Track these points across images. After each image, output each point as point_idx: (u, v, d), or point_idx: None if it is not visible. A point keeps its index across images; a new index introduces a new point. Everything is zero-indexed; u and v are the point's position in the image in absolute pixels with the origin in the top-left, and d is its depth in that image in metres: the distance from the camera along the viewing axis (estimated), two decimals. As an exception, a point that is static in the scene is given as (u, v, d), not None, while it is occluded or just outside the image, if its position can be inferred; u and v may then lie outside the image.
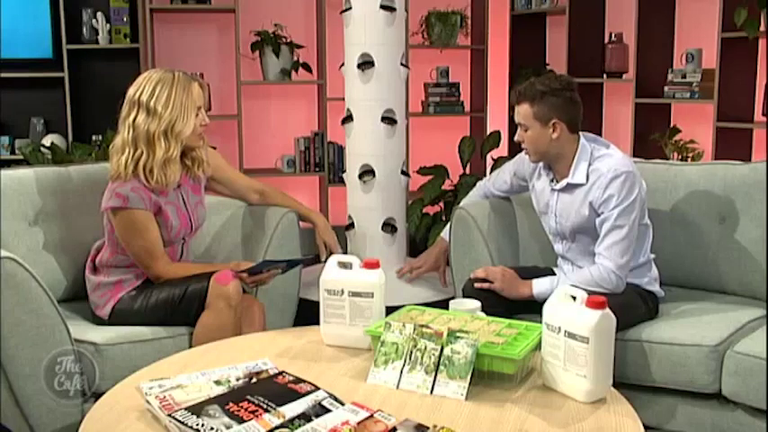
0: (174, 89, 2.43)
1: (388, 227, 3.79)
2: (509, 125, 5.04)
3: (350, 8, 3.68)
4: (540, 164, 2.58)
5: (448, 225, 3.00)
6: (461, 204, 2.90)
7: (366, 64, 3.64)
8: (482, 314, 2.13)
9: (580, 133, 2.49)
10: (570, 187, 2.49)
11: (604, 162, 2.43)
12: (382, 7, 3.61)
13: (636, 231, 2.43)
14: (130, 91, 2.46)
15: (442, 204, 4.39)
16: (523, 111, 2.44)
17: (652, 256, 2.58)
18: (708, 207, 2.73)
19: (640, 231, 2.48)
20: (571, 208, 2.49)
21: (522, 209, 2.88)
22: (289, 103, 5.03)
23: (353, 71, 3.68)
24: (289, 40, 4.68)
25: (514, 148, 4.91)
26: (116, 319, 2.44)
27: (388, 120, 3.70)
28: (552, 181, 2.55)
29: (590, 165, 2.45)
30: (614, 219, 2.38)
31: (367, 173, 3.74)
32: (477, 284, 2.48)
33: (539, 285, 2.45)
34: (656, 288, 2.56)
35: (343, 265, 2.13)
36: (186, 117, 2.45)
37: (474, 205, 2.84)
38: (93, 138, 4.43)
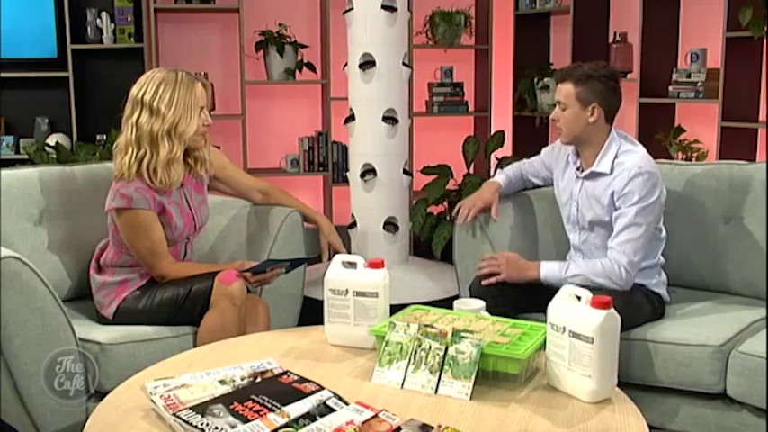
0: (177, 89, 2.43)
1: (390, 226, 3.79)
2: (513, 125, 5.05)
3: (352, 8, 3.69)
4: (570, 152, 2.60)
5: (497, 172, 2.92)
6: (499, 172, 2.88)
7: (367, 64, 3.64)
8: (486, 314, 2.12)
9: (612, 127, 2.51)
10: (594, 176, 2.51)
11: (630, 157, 2.45)
12: (383, 7, 3.61)
13: (650, 233, 2.44)
14: (133, 90, 2.46)
15: (446, 204, 4.39)
16: (566, 90, 2.46)
17: (662, 260, 2.58)
18: (712, 207, 2.73)
19: (654, 234, 2.49)
20: (593, 197, 2.51)
21: (524, 209, 2.88)
22: (293, 103, 5.03)
23: (355, 71, 3.68)
24: (293, 40, 4.68)
25: (518, 148, 4.93)
26: (120, 318, 2.45)
27: (390, 119, 3.70)
28: (578, 169, 2.57)
29: (616, 157, 2.47)
30: (632, 216, 2.39)
31: (368, 172, 3.74)
32: (484, 282, 2.48)
33: (546, 267, 2.46)
34: (662, 291, 2.56)
35: (348, 265, 2.13)
36: (189, 117, 2.44)
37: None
38: (98, 137, 4.44)
